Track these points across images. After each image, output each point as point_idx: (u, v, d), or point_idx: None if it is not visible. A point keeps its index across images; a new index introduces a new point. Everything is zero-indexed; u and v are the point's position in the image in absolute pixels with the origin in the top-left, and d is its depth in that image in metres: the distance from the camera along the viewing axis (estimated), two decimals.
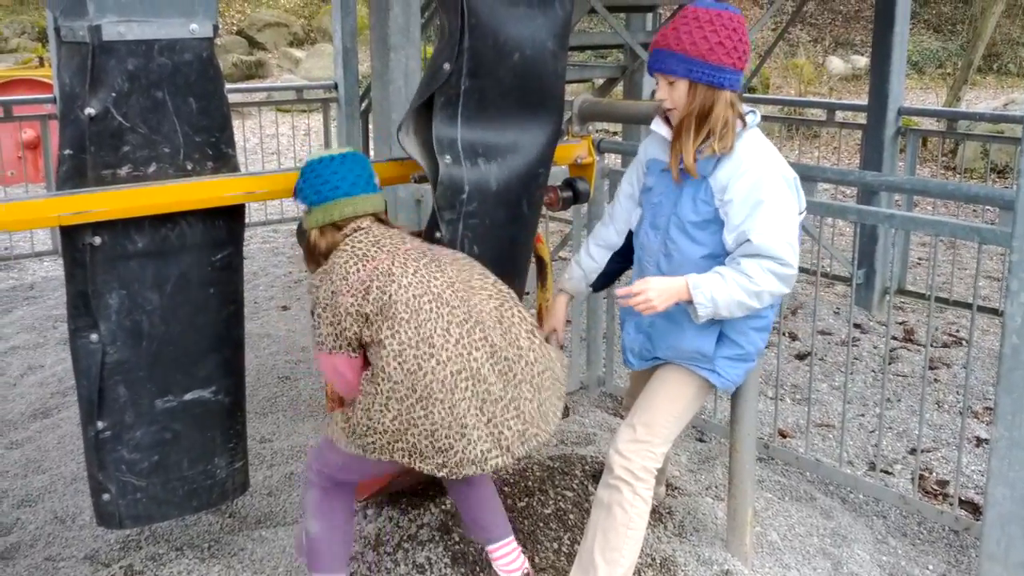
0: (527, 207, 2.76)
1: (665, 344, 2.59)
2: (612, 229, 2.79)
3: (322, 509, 2.54)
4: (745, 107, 2.48)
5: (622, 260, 2.83)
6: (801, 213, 2.50)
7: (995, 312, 5.33)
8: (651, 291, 2.36)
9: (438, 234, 2.57)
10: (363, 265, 2.30)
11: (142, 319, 2.48)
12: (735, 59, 2.39)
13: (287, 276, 6.44)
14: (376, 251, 2.33)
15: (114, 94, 2.33)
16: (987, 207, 6.84)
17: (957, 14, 17.74)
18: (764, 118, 7.60)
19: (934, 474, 3.65)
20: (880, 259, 5.54)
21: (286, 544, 2.95)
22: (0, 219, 2.27)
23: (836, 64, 16.35)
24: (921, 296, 5.77)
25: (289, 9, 19.44)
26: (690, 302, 2.38)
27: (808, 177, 3.62)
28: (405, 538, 2.90)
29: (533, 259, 3.04)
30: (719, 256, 2.45)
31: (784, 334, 5.01)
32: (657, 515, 3.09)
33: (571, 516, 3.00)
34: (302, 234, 2.52)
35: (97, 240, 2.38)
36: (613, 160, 7.32)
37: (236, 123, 2.97)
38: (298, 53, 17.60)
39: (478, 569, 2.77)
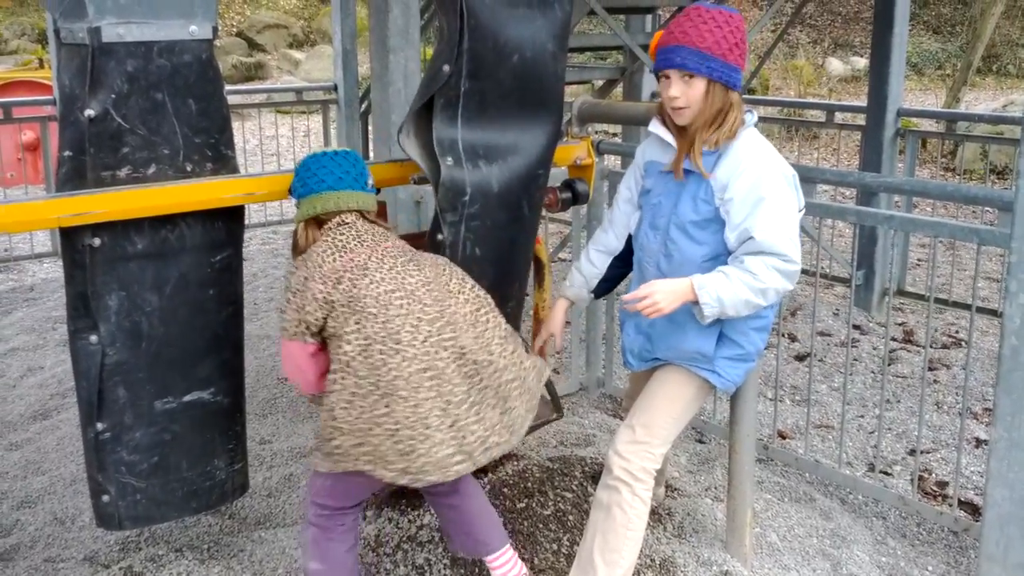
0: (527, 208, 2.76)
1: (665, 345, 2.59)
2: (612, 234, 2.79)
3: (320, 547, 2.48)
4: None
5: (623, 265, 2.82)
6: (800, 211, 2.50)
7: (994, 313, 5.32)
8: (657, 294, 2.36)
9: (440, 236, 2.57)
10: (339, 256, 2.30)
11: (141, 320, 2.48)
12: (744, 62, 2.42)
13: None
14: (356, 245, 2.33)
15: (114, 96, 2.33)
16: (986, 208, 6.83)
17: (956, 15, 17.76)
18: (763, 119, 7.62)
19: (933, 475, 3.65)
20: (879, 260, 5.53)
21: (285, 545, 2.95)
22: (0, 220, 2.27)
23: (835, 65, 16.37)
24: (920, 297, 5.77)
25: (289, 11, 19.45)
26: (696, 303, 2.38)
27: (807, 178, 3.62)
28: (404, 539, 2.89)
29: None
30: (719, 255, 2.46)
31: (783, 335, 5.00)
32: (656, 516, 3.09)
33: (570, 517, 3.00)
34: None
35: (97, 241, 2.38)
36: (612, 161, 7.33)
37: (235, 125, 2.97)
38: (298, 55, 17.62)
39: (477, 570, 2.76)
